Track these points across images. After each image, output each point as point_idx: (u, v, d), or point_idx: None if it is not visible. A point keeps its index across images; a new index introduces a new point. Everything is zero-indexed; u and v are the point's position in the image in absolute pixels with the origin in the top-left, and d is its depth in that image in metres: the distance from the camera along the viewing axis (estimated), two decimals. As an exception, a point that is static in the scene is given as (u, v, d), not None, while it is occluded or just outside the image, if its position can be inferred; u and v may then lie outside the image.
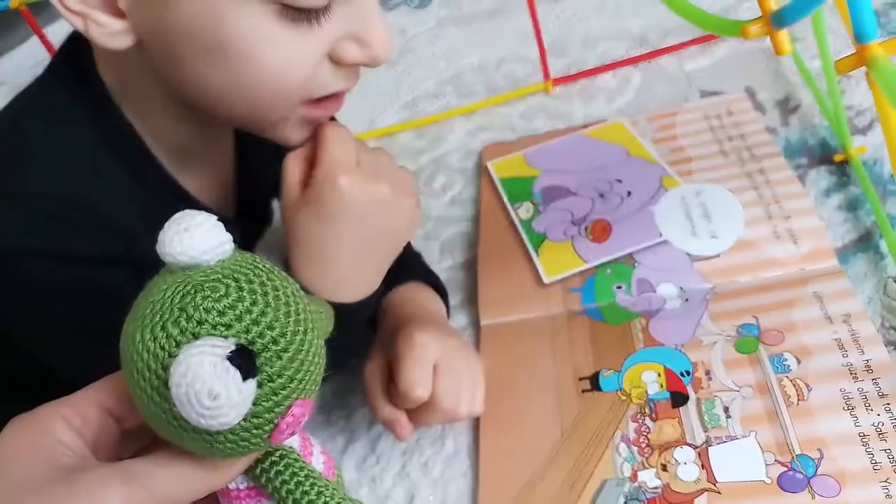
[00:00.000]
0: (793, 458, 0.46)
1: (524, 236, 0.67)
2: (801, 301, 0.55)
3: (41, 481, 0.25)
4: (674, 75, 0.83)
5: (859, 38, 0.30)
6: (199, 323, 0.25)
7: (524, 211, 0.70)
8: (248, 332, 0.25)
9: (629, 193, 0.68)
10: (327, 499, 0.29)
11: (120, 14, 0.39)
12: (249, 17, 0.38)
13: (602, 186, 0.70)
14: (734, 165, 0.68)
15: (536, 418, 0.53)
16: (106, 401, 0.28)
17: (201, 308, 0.25)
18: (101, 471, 0.26)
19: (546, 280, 0.62)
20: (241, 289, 0.26)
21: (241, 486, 0.31)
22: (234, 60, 0.40)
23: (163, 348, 0.25)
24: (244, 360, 0.24)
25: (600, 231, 0.65)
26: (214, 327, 0.25)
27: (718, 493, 0.46)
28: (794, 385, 0.50)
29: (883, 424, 0.46)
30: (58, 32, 0.86)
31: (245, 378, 0.24)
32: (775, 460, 0.46)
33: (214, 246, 0.26)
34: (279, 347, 0.26)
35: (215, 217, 0.27)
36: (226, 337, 0.25)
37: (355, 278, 0.47)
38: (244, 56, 0.40)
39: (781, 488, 0.45)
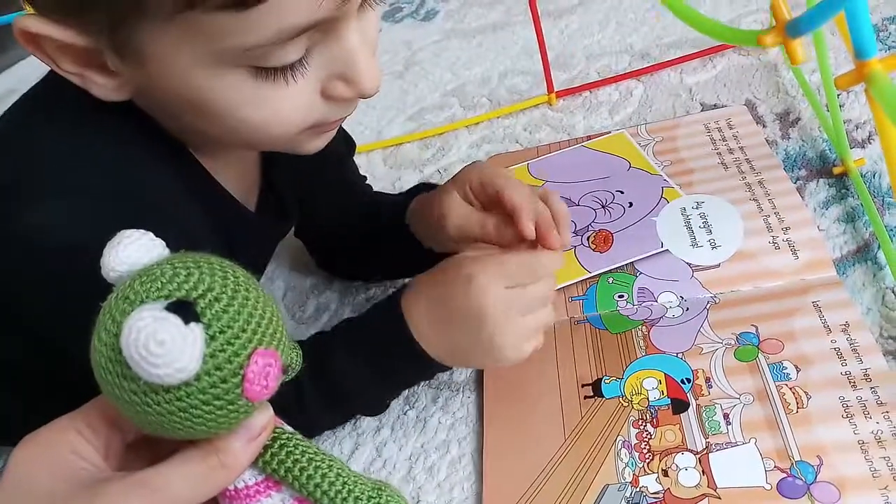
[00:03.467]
0: (792, 464, 0.47)
1: (527, 246, 0.68)
2: (801, 310, 0.55)
3: (62, 496, 0.26)
4: (675, 88, 0.84)
5: (859, 54, 0.31)
6: (144, 299, 0.26)
7: (528, 221, 0.71)
8: (187, 294, 0.26)
9: (631, 204, 0.69)
10: (339, 470, 0.30)
11: (112, 73, 0.40)
12: (226, 83, 0.39)
13: (604, 197, 0.71)
14: (734, 177, 0.69)
15: (540, 423, 0.54)
16: (110, 411, 0.29)
17: (140, 291, 0.26)
18: (120, 484, 0.26)
19: (549, 289, 0.63)
20: (174, 268, 0.27)
21: (251, 482, 0.31)
22: (225, 118, 0.41)
23: (115, 335, 0.26)
24: (184, 309, 0.26)
25: (602, 241, 0.66)
26: (155, 295, 0.26)
27: (719, 498, 0.46)
28: (793, 393, 0.51)
29: (882, 432, 0.47)
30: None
31: (187, 322, 0.25)
32: (775, 467, 0.47)
33: (146, 254, 0.29)
34: (221, 305, 0.27)
35: (142, 231, 0.29)
36: (167, 299, 0.26)
37: (439, 347, 0.49)
38: (232, 116, 0.41)
39: (781, 494, 0.46)
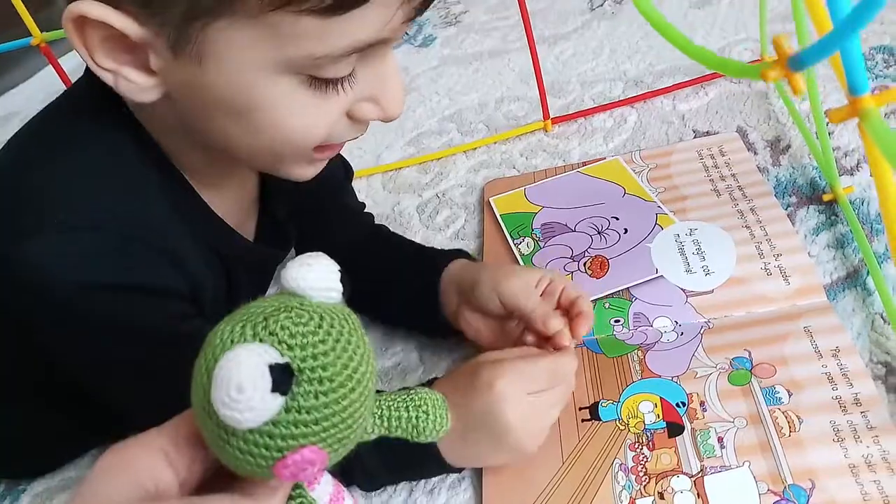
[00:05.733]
0: (785, 487, 0.48)
1: (525, 270, 0.69)
2: (792, 335, 0.57)
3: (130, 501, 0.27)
4: (668, 115, 0.86)
5: (852, 90, 0.32)
6: (271, 333, 0.27)
7: (525, 246, 0.72)
8: (303, 360, 0.27)
9: (626, 230, 0.71)
10: None
11: (151, 72, 0.41)
12: (279, 87, 0.40)
13: (600, 223, 0.72)
14: (727, 204, 0.70)
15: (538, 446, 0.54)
16: (194, 432, 0.29)
17: (279, 324, 0.27)
18: (174, 500, 0.28)
19: (546, 313, 0.64)
20: (320, 325, 0.28)
21: None
22: (260, 123, 0.42)
23: (232, 340, 0.27)
24: (282, 377, 0.26)
25: (598, 267, 0.68)
26: (279, 342, 0.27)
27: (714, 521, 0.47)
28: (785, 417, 0.52)
29: (872, 456, 0.48)
30: (68, 65, 0.89)
31: (274, 390, 0.26)
32: (768, 489, 0.48)
33: (324, 288, 0.29)
34: (322, 389, 0.27)
35: (337, 266, 0.30)
36: (282, 354, 0.27)
37: (455, 451, 0.50)
38: (270, 121, 0.42)
39: (774, 517, 0.47)
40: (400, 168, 0.90)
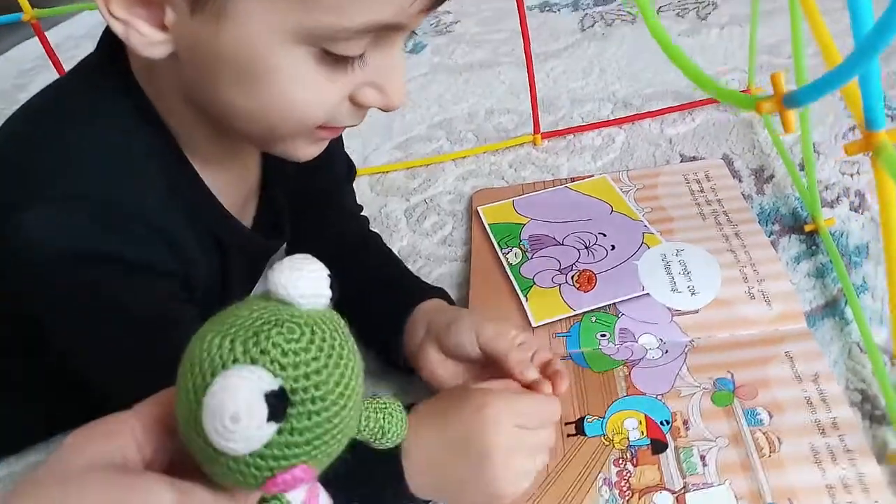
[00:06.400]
0: (765, 506, 0.49)
1: (513, 281, 0.70)
2: (774, 360, 0.58)
3: (102, 467, 0.26)
4: (655, 138, 0.87)
5: (869, 125, 0.34)
6: (263, 352, 0.26)
7: (513, 256, 0.73)
8: (296, 380, 0.26)
9: (613, 247, 0.72)
10: None
11: (163, 27, 0.40)
12: (291, 56, 0.40)
13: (587, 238, 0.73)
14: (712, 228, 0.72)
15: (523, 457, 0.55)
16: (164, 416, 0.29)
17: (271, 341, 0.26)
18: (151, 475, 0.27)
19: (534, 324, 0.65)
20: (312, 341, 0.27)
21: None
22: (266, 91, 0.42)
23: (221, 357, 0.26)
24: (278, 404, 0.26)
25: (586, 281, 0.68)
26: (272, 362, 0.26)
27: (695, 537, 0.48)
28: (766, 438, 0.53)
29: (848, 478, 0.49)
30: (53, 38, 0.87)
31: (269, 419, 0.25)
32: (748, 508, 0.49)
33: (314, 294, 0.28)
34: (315, 408, 0.27)
35: (327, 271, 0.29)
36: (275, 375, 0.26)
37: (429, 476, 0.47)
38: (276, 89, 0.42)
39: (754, 535, 0.48)
40: (388, 171, 0.90)
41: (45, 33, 0.83)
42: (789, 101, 0.36)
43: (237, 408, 0.25)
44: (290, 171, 0.53)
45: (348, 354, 0.29)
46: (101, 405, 0.55)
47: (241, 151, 0.54)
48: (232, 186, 0.53)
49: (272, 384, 0.26)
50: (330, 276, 0.29)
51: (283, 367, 0.26)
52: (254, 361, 0.26)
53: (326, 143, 0.49)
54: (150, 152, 0.47)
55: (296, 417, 0.27)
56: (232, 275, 0.55)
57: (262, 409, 0.25)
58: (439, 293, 0.62)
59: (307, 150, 0.48)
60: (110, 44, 0.47)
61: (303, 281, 0.28)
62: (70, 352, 0.48)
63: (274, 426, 0.26)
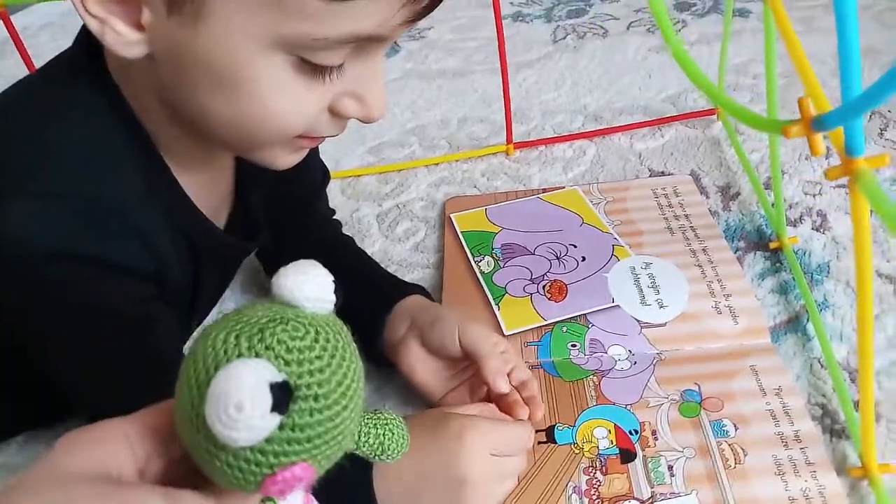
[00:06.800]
0: (730, 517, 0.50)
1: (486, 289, 0.70)
2: (739, 373, 0.60)
3: (91, 478, 0.26)
4: (625, 153, 0.89)
5: (849, 152, 0.35)
6: (267, 348, 0.26)
7: (486, 264, 0.73)
8: (299, 377, 0.27)
9: (583, 258, 0.73)
10: None
11: (139, 26, 0.40)
12: (269, 63, 0.40)
13: (558, 249, 0.74)
14: (680, 242, 0.73)
15: (494, 465, 0.55)
16: (160, 424, 0.29)
17: (276, 337, 0.26)
18: (143, 486, 0.27)
19: (506, 332, 0.65)
20: (316, 340, 0.27)
21: None
22: (243, 98, 0.41)
23: (226, 352, 0.26)
24: (282, 395, 0.26)
25: (557, 291, 0.69)
26: (276, 357, 0.26)
27: (663, 546, 0.49)
28: (731, 449, 0.54)
29: (810, 490, 0.51)
30: (18, 23, 0.84)
31: (273, 409, 0.25)
32: (714, 518, 0.50)
33: (319, 298, 0.29)
34: (317, 406, 0.27)
35: (331, 277, 0.29)
36: (279, 370, 0.26)
37: (398, 499, 0.48)
38: (254, 97, 0.41)
39: (719, 545, 0.49)
40: (360, 176, 0.90)
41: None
42: (818, 124, 0.36)
43: (241, 396, 0.25)
44: (267, 176, 0.53)
45: (351, 357, 0.29)
46: (67, 404, 0.53)
47: (217, 155, 0.54)
48: (206, 189, 0.53)
49: (276, 377, 0.26)
50: (334, 282, 0.29)
51: (287, 363, 0.26)
52: (258, 356, 0.26)
53: (305, 153, 0.49)
54: (128, 151, 0.46)
55: (298, 413, 0.26)
56: (203, 277, 0.55)
57: (267, 399, 0.25)
58: (419, 290, 0.63)
59: (286, 159, 0.48)
60: (88, 40, 0.46)
61: (308, 284, 0.28)
62: (40, 350, 0.47)
63: (277, 418, 0.26)
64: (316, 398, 0.27)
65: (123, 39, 0.40)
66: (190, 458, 0.29)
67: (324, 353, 0.27)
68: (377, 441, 0.36)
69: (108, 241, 0.44)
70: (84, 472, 0.26)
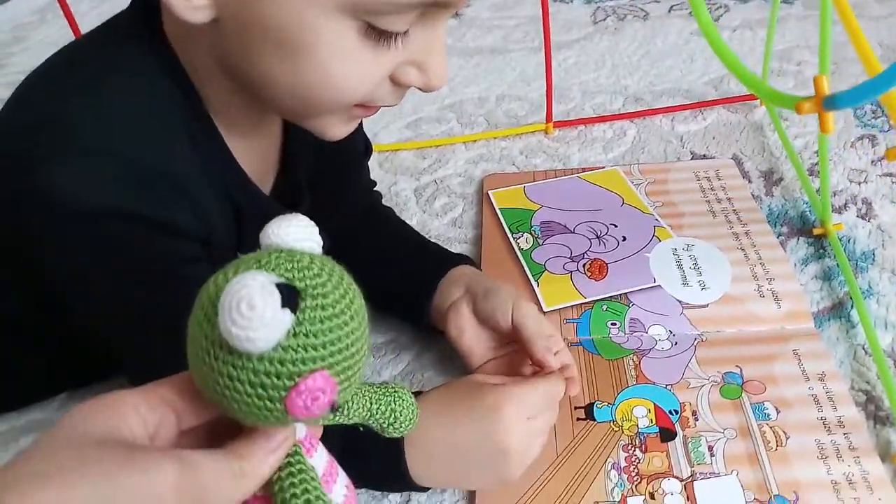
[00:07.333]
0: (771, 497, 0.50)
1: (525, 265, 0.70)
2: (781, 357, 0.59)
3: (104, 441, 0.26)
4: (666, 135, 0.88)
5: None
6: (271, 270, 0.27)
7: (524, 241, 0.73)
8: (304, 284, 0.27)
9: (624, 238, 0.72)
10: None
11: None
12: (334, 29, 0.39)
13: (598, 228, 0.74)
14: (722, 225, 0.73)
15: (533, 438, 0.55)
16: (171, 397, 0.29)
17: (273, 262, 0.28)
18: (157, 451, 0.27)
19: (545, 309, 0.65)
20: (313, 261, 0.29)
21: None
22: (306, 64, 0.41)
23: (227, 279, 0.27)
24: (289, 293, 0.27)
25: (597, 269, 0.69)
26: (280, 275, 0.27)
27: (702, 524, 0.49)
28: (773, 432, 0.54)
29: (853, 475, 0.50)
30: None
31: (284, 305, 0.26)
32: (755, 498, 0.50)
33: (307, 239, 0.30)
34: (325, 313, 0.28)
35: (313, 223, 0.30)
36: (282, 277, 0.27)
37: (434, 468, 0.49)
38: (317, 63, 0.41)
39: (760, 525, 0.49)
40: (398, 150, 0.90)
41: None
42: (829, 103, 0.36)
43: (252, 294, 0.25)
44: (313, 146, 0.53)
45: (348, 281, 0.30)
46: (108, 364, 0.54)
47: (268, 122, 0.54)
48: (255, 155, 0.53)
49: (281, 280, 0.27)
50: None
51: (290, 279, 0.27)
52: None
53: (358, 123, 0.49)
54: (181, 113, 0.46)
55: (308, 320, 0.27)
56: (246, 243, 0.55)
57: (276, 295, 0.26)
58: (470, 261, 0.63)
59: (339, 129, 0.48)
60: (144, 3, 0.46)
61: (293, 227, 0.30)
62: (85, 308, 0.47)
63: (288, 314, 0.26)
64: (323, 307, 0.28)
65: (190, 4, 0.40)
66: (199, 430, 0.29)
67: (322, 271, 0.28)
68: (389, 410, 0.37)
69: (156, 200, 0.44)
70: (97, 436, 0.26)
